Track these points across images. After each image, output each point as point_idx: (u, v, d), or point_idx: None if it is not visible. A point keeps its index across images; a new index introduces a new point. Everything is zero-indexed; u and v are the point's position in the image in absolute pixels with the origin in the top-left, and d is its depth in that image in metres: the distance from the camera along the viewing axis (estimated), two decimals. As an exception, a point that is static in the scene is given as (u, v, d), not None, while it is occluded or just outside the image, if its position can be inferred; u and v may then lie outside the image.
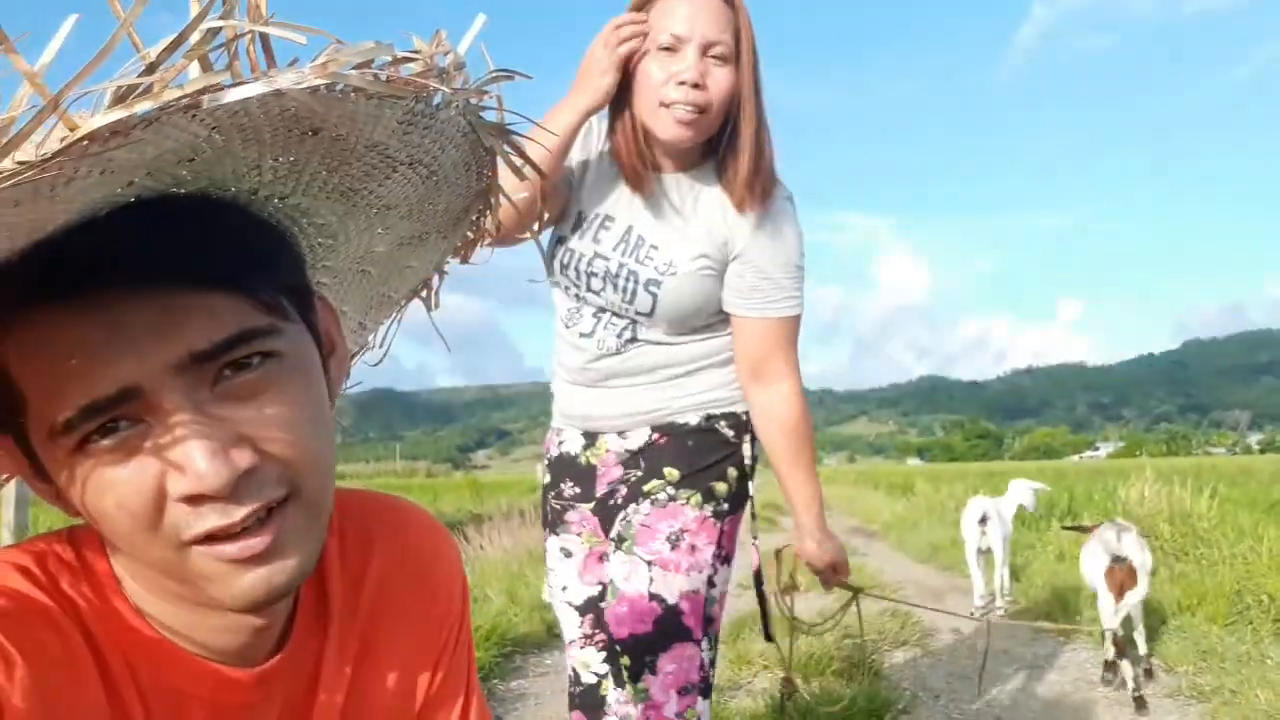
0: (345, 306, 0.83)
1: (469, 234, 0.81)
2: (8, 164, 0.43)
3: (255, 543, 0.60)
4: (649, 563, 1.78)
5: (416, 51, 0.55)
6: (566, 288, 1.83)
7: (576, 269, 1.77)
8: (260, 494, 0.59)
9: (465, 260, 0.84)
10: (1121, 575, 3.92)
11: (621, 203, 1.79)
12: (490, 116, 0.65)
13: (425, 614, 0.85)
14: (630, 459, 1.89)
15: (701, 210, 1.80)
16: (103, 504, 0.59)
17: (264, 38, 0.49)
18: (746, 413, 1.88)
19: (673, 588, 1.76)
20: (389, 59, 0.53)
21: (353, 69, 0.51)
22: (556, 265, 1.78)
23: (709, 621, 1.83)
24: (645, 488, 1.85)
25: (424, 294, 0.88)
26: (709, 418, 1.87)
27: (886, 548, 10.02)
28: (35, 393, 0.57)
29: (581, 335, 1.86)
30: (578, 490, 1.96)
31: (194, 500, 0.58)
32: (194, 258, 0.59)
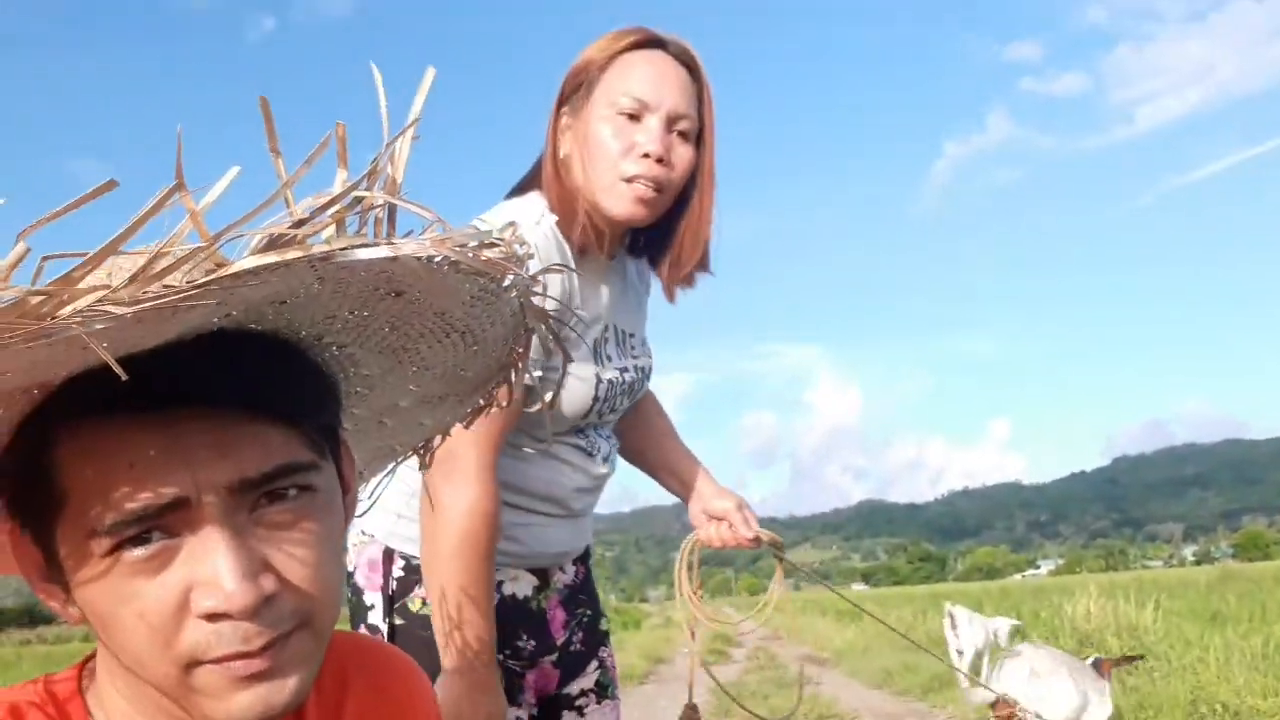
0: (355, 453, 0.85)
1: (480, 401, 0.86)
2: (156, 287, 0.47)
3: (258, 662, 0.61)
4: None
5: (500, 238, 0.61)
6: (587, 421, 1.55)
7: (611, 395, 1.54)
8: (276, 624, 0.61)
9: (468, 425, 0.89)
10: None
11: (602, 303, 1.57)
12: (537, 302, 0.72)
13: None
14: (569, 596, 1.68)
15: (641, 290, 1.69)
16: (123, 612, 0.60)
17: (391, 211, 0.55)
18: None
19: None
20: (478, 241, 0.59)
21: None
22: (595, 410, 1.51)
23: None
24: (601, 626, 1.74)
25: (423, 452, 0.93)
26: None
27: (839, 675, 9.89)
28: (82, 494, 0.59)
29: (603, 459, 1.62)
30: (534, 644, 1.61)
31: (214, 618, 0.59)
32: (257, 390, 0.62)
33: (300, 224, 0.50)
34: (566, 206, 1.50)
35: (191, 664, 0.60)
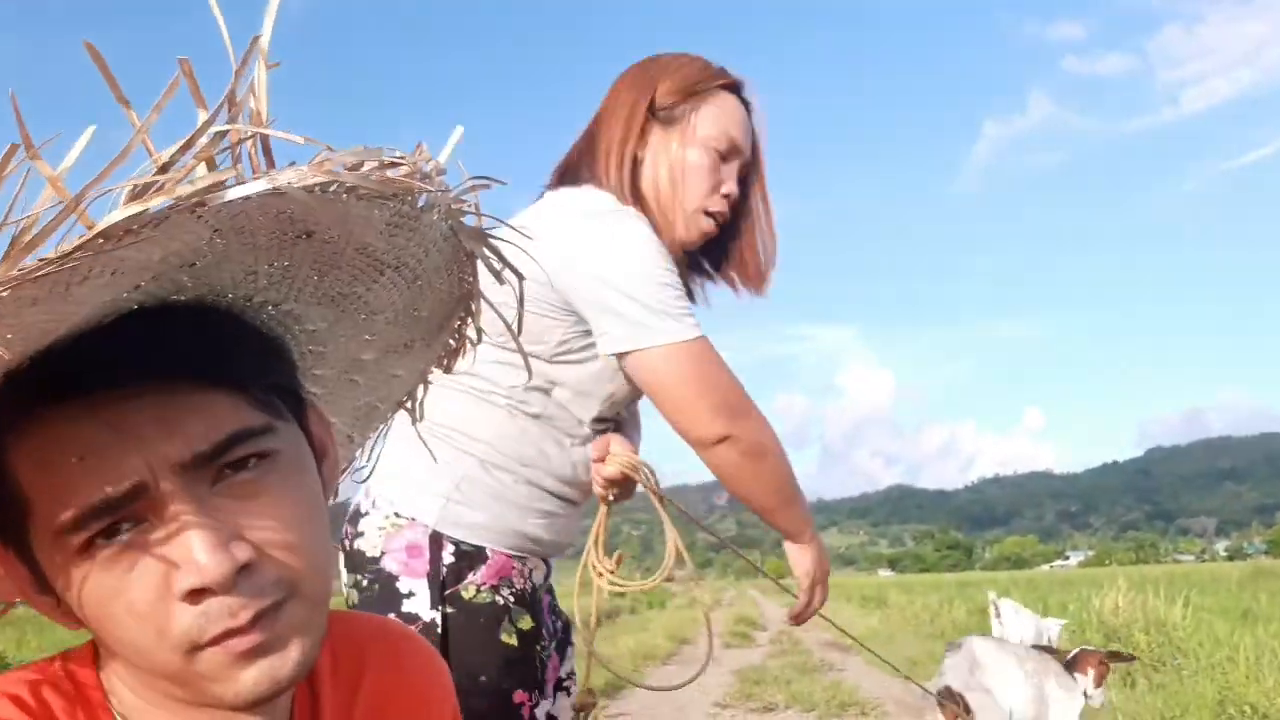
0: (334, 418, 0.83)
1: (451, 342, 0.82)
2: (30, 261, 0.45)
3: (255, 635, 0.60)
4: None
5: (401, 157, 0.57)
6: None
7: None
8: (261, 594, 0.60)
9: (448, 369, 0.85)
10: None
11: None
12: (470, 223, 0.67)
13: None
14: (544, 583, 1.69)
15: None
16: (110, 609, 0.59)
17: (265, 142, 0.52)
18: None
19: None
20: (377, 163, 0.56)
21: (344, 170, 0.54)
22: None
23: None
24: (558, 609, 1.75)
25: (409, 405, 0.89)
26: None
27: (862, 663, 9.87)
28: (42, 495, 0.58)
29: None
30: (548, 630, 1.65)
31: (197, 596, 0.58)
32: (193, 358, 0.61)
33: (165, 169, 0.48)
34: (641, 209, 1.59)
35: (191, 649, 0.59)
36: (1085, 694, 3.99)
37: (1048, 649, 4.13)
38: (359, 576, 1.52)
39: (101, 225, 0.46)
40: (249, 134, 0.51)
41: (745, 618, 19.68)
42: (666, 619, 18.90)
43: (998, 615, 5.85)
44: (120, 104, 0.49)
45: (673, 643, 13.58)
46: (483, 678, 1.47)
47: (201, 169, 0.49)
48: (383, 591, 1.48)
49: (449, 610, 1.47)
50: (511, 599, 1.52)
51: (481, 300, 0.77)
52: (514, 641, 1.50)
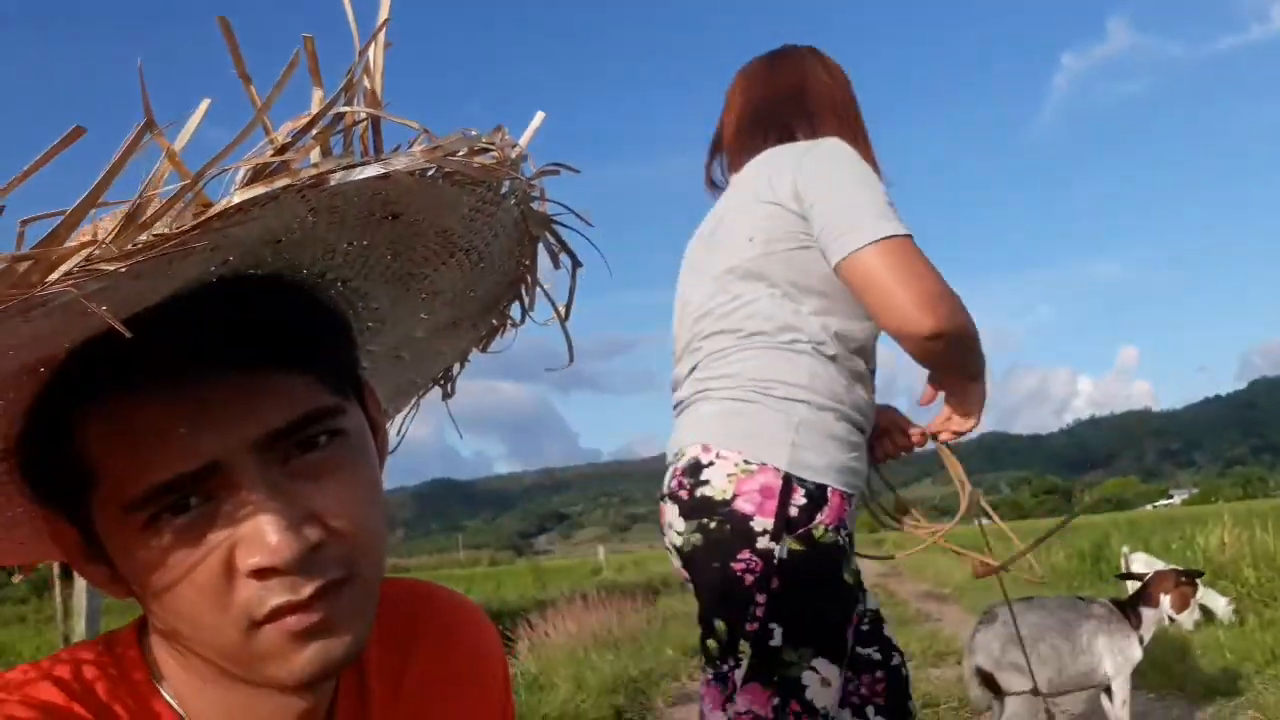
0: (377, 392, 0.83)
1: (494, 322, 0.84)
2: (146, 237, 0.45)
3: (311, 616, 0.60)
4: None
5: (491, 143, 0.58)
6: None
7: None
8: (324, 572, 0.60)
9: (485, 349, 0.86)
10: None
11: None
12: (536, 207, 0.69)
13: (469, 705, 0.84)
14: None
15: None
16: (171, 581, 0.59)
17: (376, 124, 0.53)
18: None
19: None
20: (470, 148, 0.56)
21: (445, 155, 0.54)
22: None
23: None
24: None
25: (444, 382, 0.90)
26: None
27: (959, 611, 9.76)
28: (112, 469, 0.58)
29: None
30: None
31: (263, 574, 0.58)
32: (270, 338, 0.61)
33: (284, 150, 0.48)
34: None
35: (250, 625, 0.59)
36: (1170, 619, 3.85)
37: (1128, 575, 3.99)
38: (705, 520, 1.57)
39: (224, 205, 0.46)
40: (364, 116, 0.51)
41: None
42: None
43: (1128, 567, 5.71)
44: (242, 80, 0.49)
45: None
46: (827, 615, 1.55)
47: (316, 151, 0.49)
48: (734, 530, 1.54)
49: (801, 548, 1.54)
50: (847, 540, 1.60)
51: (534, 282, 0.78)
52: (851, 581, 1.60)
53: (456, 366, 0.89)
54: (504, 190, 0.64)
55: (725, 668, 1.57)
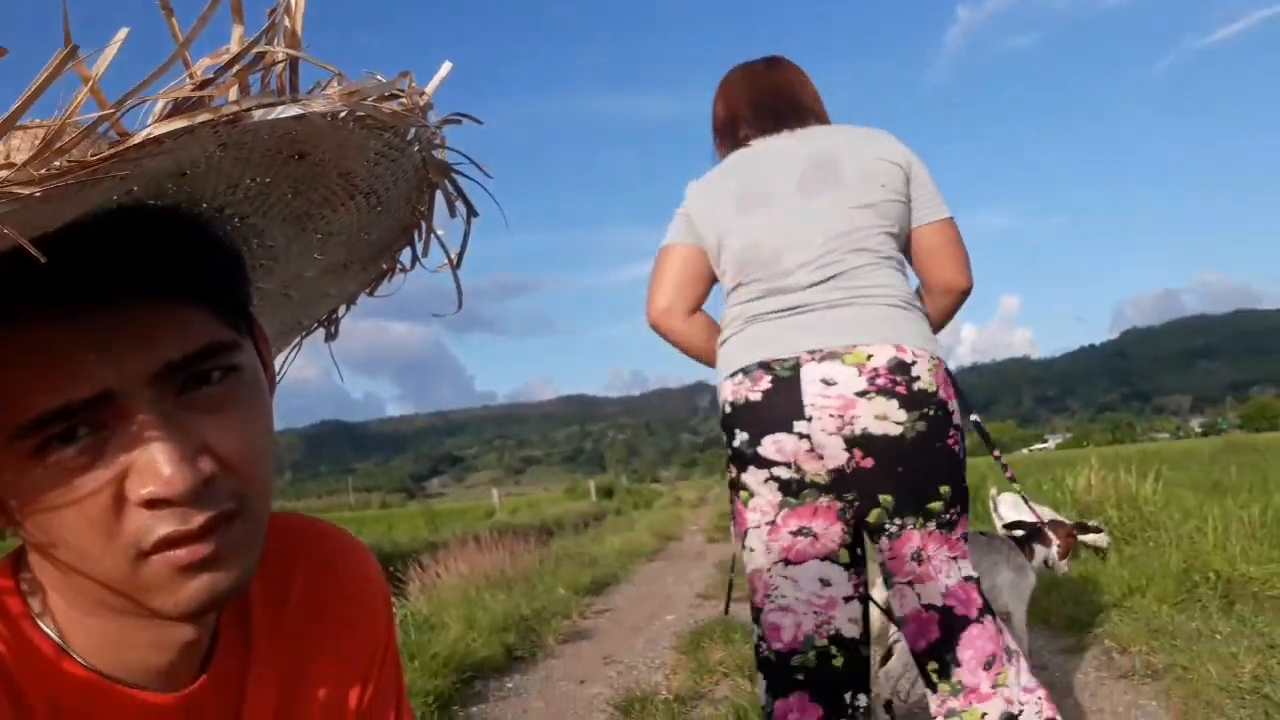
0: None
1: (384, 267, 0.84)
2: (61, 163, 0.44)
3: (202, 548, 0.60)
4: None
5: (400, 90, 0.59)
6: None
7: None
8: (215, 504, 0.60)
9: (372, 293, 0.87)
10: None
11: None
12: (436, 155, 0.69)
13: (351, 631, 0.84)
14: None
15: None
16: (61, 511, 0.58)
17: (294, 66, 0.53)
18: (727, 403, 2.08)
19: None
20: (380, 94, 0.57)
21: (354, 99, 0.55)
22: None
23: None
24: None
25: (328, 324, 0.91)
26: None
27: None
28: (1, 395, 0.57)
29: None
30: None
31: (154, 505, 0.58)
32: (169, 269, 0.60)
33: (204, 85, 0.48)
34: None
35: (138, 555, 0.59)
36: (1047, 563, 4.08)
37: (1018, 524, 4.20)
38: (926, 409, 1.93)
39: (142, 136, 0.46)
40: (284, 56, 0.52)
41: (727, 513, 20.00)
42: (653, 518, 19.21)
43: (996, 510, 5.97)
44: (164, 11, 0.49)
45: (659, 540, 13.82)
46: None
47: (235, 89, 0.50)
48: (945, 415, 1.96)
49: (957, 421, 2.01)
50: None
51: (426, 229, 0.78)
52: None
53: (342, 309, 0.90)
54: (410, 137, 0.64)
55: (949, 516, 1.98)
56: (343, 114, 0.55)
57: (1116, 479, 8.17)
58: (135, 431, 0.58)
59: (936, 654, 1.94)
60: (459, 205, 0.73)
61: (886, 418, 1.90)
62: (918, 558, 1.96)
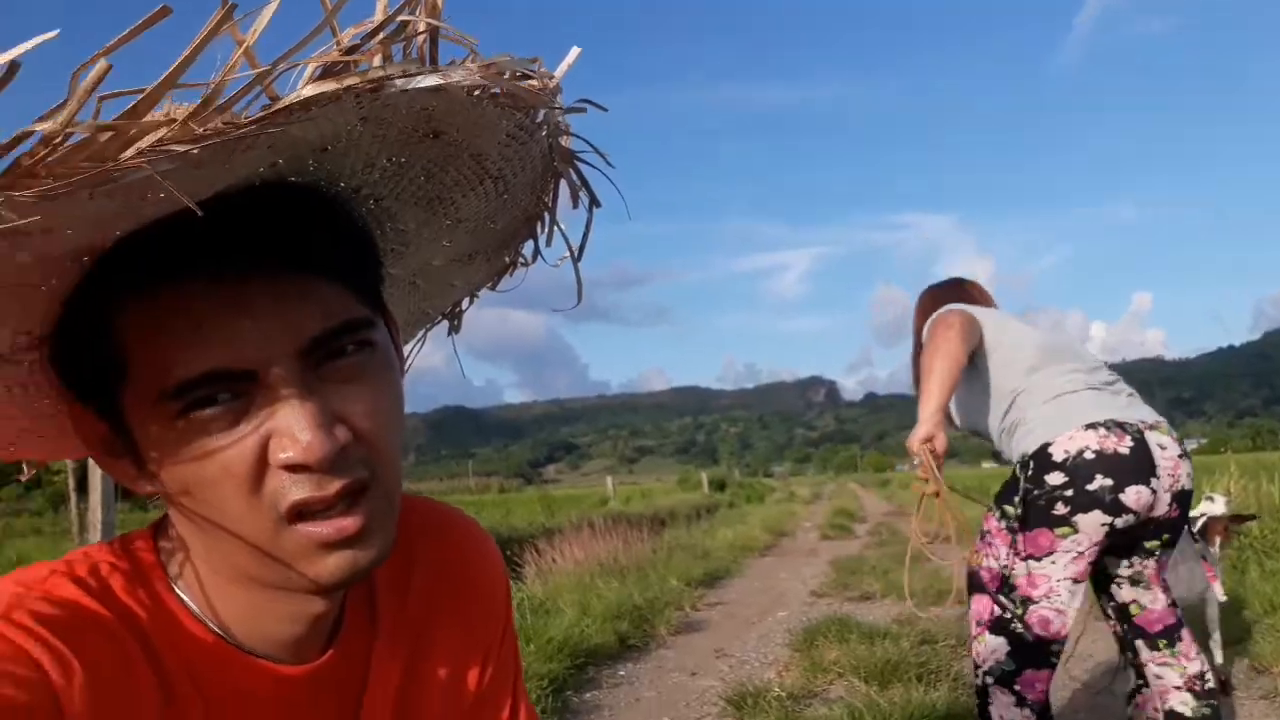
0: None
1: (507, 259, 0.84)
2: (218, 123, 0.46)
3: (348, 523, 0.62)
4: None
5: (534, 69, 0.59)
6: None
7: None
8: (349, 472, 0.61)
9: (495, 287, 0.87)
10: None
11: None
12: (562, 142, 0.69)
13: (471, 613, 0.86)
14: None
15: None
16: (205, 470, 0.60)
17: (433, 38, 0.53)
18: (1027, 456, 2.54)
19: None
20: (515, 73, 0.57)
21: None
22: None
23: (1007, 585, 2.60)
24: None
25: (453, 317, 0.91)
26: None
27: (962, 553, 9.83)
28: (149, 359, 0.59)
29: None
30: None
31: (294, 469, 0.60)
32: (313, 245, 0.62)
33: (351, 51, 0.49)
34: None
35: (279, 520, 0.61)
36: (1203, 555, 4.03)
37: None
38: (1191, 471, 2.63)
39: (294, 98, 0.47)
40: (424, 27, 0.52)
41: (845, 510, 19.77)
42: (765, 513, 19.09)
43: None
44: None
45: (771, 535, 13.73)
46: None
47: (378, 57, 0.50)
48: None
49: None
50: None
51: (550, 219, 0.78)
52: None
53: (466, 301, 0.90)
54: (539, 119, 0.64)
55: (1165, 556, 2.65)
56: (480, 88, 0.56)
57: (1258, 488, 7.77)
58: (276, 399, 0.60)
59: (1169, 633, 2.63)
60: (581, 195, 0.72)
61: (1190, 477, 2.52)
62: (1165, 575, 2.69)
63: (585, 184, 0.72)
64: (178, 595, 0.68)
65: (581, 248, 0.76)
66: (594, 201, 0.73)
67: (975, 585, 2.70)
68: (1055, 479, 2.45)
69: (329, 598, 0.70)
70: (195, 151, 0.45)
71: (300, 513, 0.61)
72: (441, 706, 0.82)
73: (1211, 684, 2.61)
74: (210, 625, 0.68)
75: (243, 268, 0.59)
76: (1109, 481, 2.40)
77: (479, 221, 0.75)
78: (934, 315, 2.74)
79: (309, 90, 0.48)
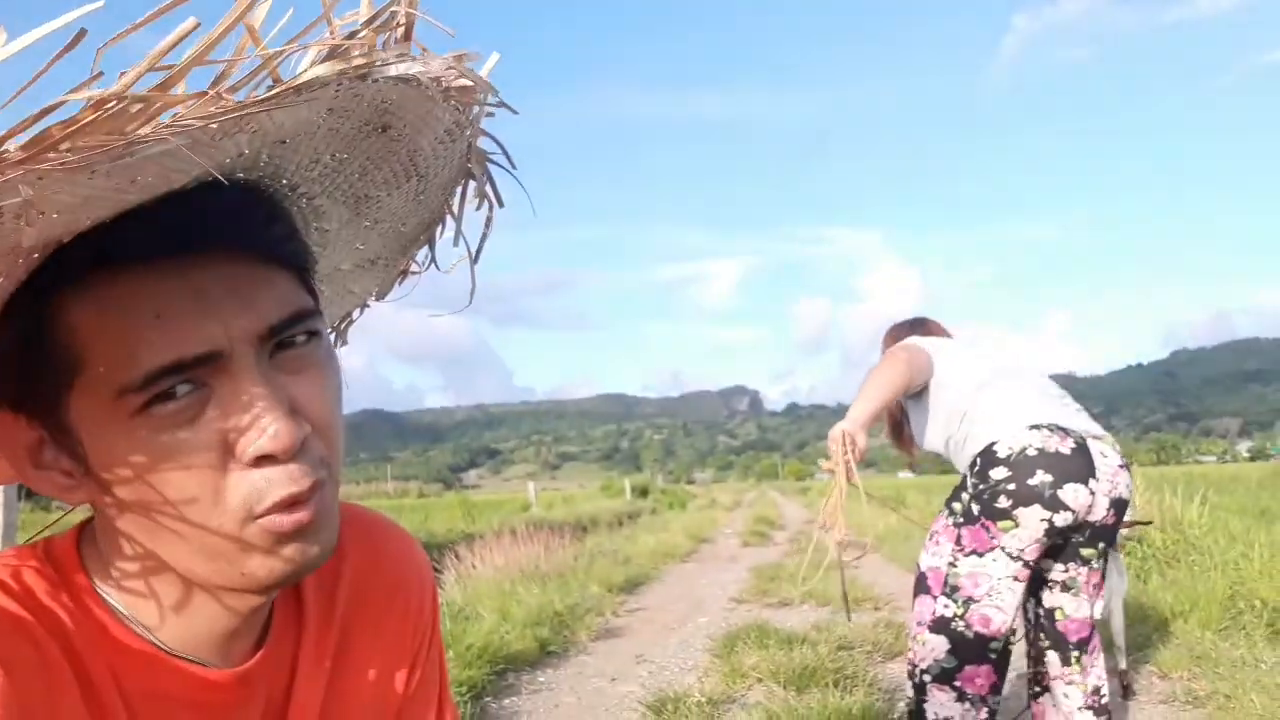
0: None
1: (401, 266, 0.85)
2: (229, 101, 0.47)
3: (303, 516, 0.61)
4: None
5: (470, 70, 0.61)
6: None
7: None
8: (314, 466, 0.62)
9: (381, 297, 0.88)
10: None
11: None
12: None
13: (398, 618, 0.85)
14: None
15: None
16: (165, 466, 0.59)
17: (409, 29, 0.55)
18: (975, 455, 2.68)
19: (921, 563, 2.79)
20: (459, 70, 0.59)
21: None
22: None
23: (949, 586, 2.68)
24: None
25: (343, 327, 0.91)
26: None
27: (879, 560, 10.02)
28: (106, 352, 0.57)
29: None
30: None
31: (262, 462, 0.59)
32: (265, 234, 0.63)
33: (351, 36, 0.51)
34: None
35: (247, 517, 0.60)
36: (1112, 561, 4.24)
37: None
38: (1130, 480, 2.76)
39: (305, 76, 0.49)
40: (407, 16, 0.54)
41: (765, 517, 19.95)
42: (687, 520, 19.19)
43: None
44: None
45: (692, 541, 13.80)
46: None
47: (364, 45, 0.53)
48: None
49: None
50: None
51: (460, 218, 0.79)
52: None
53: (357, 312, 0.90)
54: (471, 117, 0.66)
55: (1099, 566, 2.77)
56: (442, 80, 0.58)
57: (1161, 500, 8.03)
58: (238, 390, 0.59)
59: (1081, 644, 2.79)
60: (486, 196, 0.74)
61: (1128, 487, 2.67)
62: (1098, 585, 2.79)
63: (493, 184, 0.74)
64: (103, 599, 0.67)
65: (479, 250, 0.77)
66: (498, 202, 0.75)
67: (920, 587, 2.76)
68: (999, 474, 2.59)
69: (264, 599, 0.69)
70: (214, 126, 0.47)
71: (268, 508, 0.60)
72: (366, 709, 0.82)
73: (1106, 699, 2.79)
74: (137, 629, 0.67)
75: (201, 255, 0.59)
76: (1049, 478, 2.53)
77: (393, 223, 0.76)
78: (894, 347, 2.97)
79: (318, 70, 0.50)
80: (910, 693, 2.77)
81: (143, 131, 0.45)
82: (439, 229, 0.80)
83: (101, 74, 0.43)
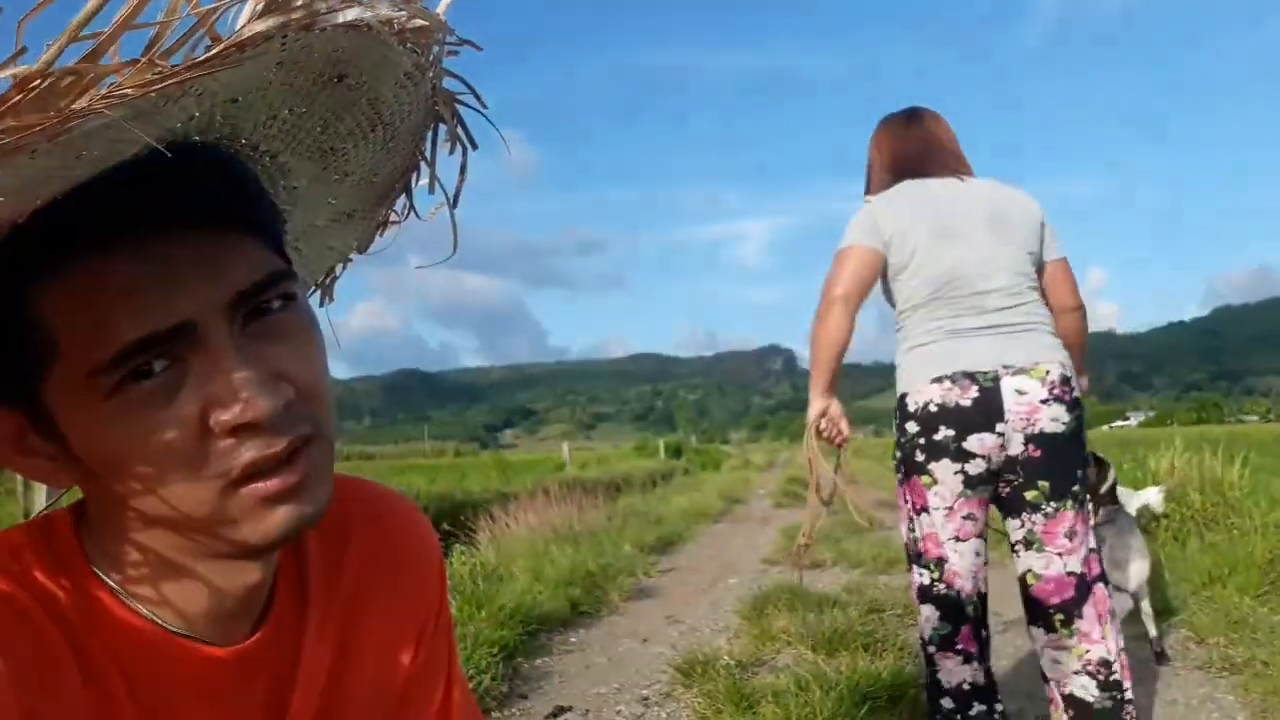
0: None
1: (380, 217, 0.84)
2: (166, 66, 0.45)
3: (291, 477, 0.61)
4: None
5: (422, 8, 0.59)
6: None
7: None
8: (295, 429, 0.61)
9: (363, 250, 0.86)
10: None
11: None
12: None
13: (405, 596, 0.85)
14: None
15: None
16: (145, 447, 0.59)
17: None
18: (900, 397, 2.67)
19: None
20: (410, 10, 0.58)
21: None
22: None
23: (915, 553, 2.69)
24: None
25: (327, 283, 0.90)
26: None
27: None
28: (78, 334, 0.57)
29: None
30: None
31: (239, 430, 0.59)
32: (226, 201, 0.62)
33: None
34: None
35: (226, 486, 0.60)
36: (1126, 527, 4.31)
37: None
38: (1078, 412, 2.59)
39: (248, 32, 0.47)
40: None
41: (798, 478, 19.93)
42: (720, 480, 19.23)
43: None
44: None
45: (725, 502, 13.84)
46: None
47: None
48: (1083, 416, 2.64)
49: None
50: None
51: (425, 172, 0.77)
52: None
53: (340, 268, 0.89)
54: (431, 58, 0.64)
55: (1084, 497, 2.60)
56: (394, 20, 0.56)
57: (1201, 461, 7.91)
58: (213, 361, 0.59)
59: (1066, 608, 2.57)
60: (459, 139, 0.73)
61: (1057, 420, 2.53)
62: (1070, 534, 2.58)
63: (463, 125, 0.72)
64: (100, 578, 0.67)
65: (458, 193, 0.76)
66: (471, 144, 0.73)
67: (907, 558, 2.75)
68: (912, 428, 2.62)
69: (264, 564, 0.69)
70: (153, 95, 0.45)
71: (249, 474, 0.60)
72: (372, 687, 0.81)
73: (1117, 675, 2.53)
74: (136, 607, 0.67)
75: (165, 228, 0.58)
76: (951, 432, 2.54)
77: (364, 174, 0.75)
78: (836, 250, 2.75)
79: (257, 26, 0.47)
80: (924, 664, 2.75)
81: (78, 106, 0.43)
82: (414, 176, 0.79)
83: (26, 49, 0.41)
